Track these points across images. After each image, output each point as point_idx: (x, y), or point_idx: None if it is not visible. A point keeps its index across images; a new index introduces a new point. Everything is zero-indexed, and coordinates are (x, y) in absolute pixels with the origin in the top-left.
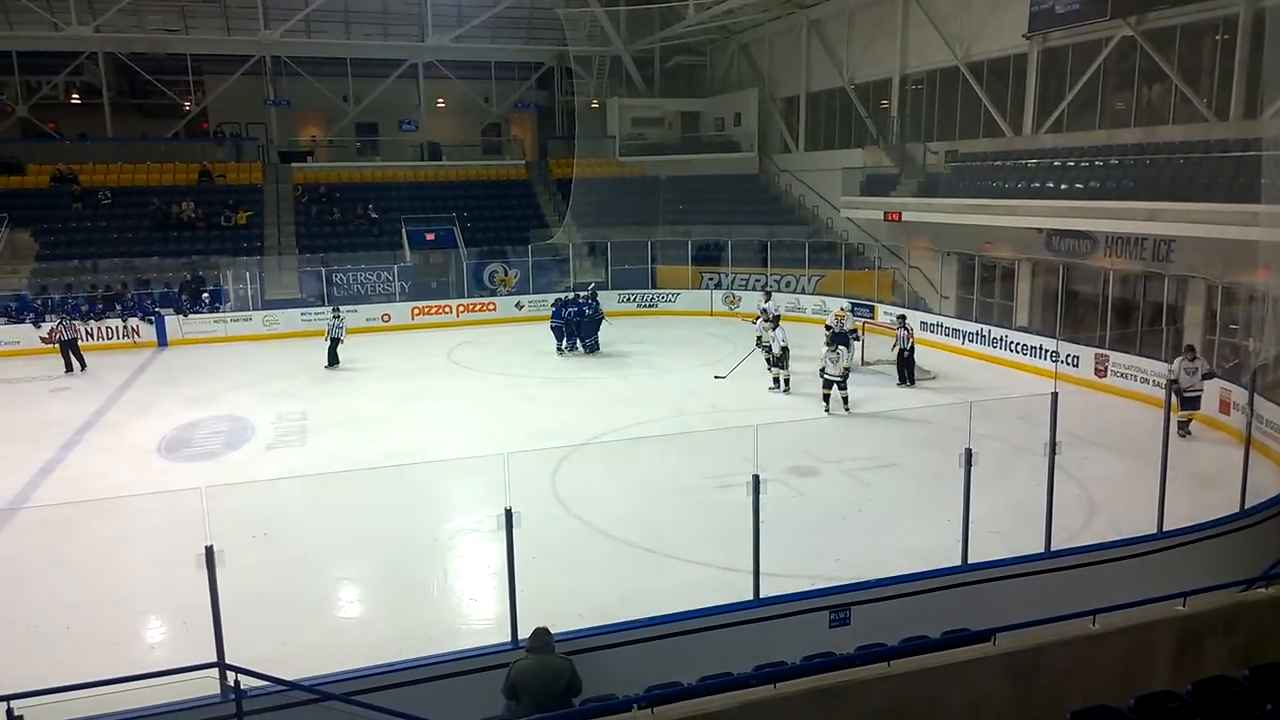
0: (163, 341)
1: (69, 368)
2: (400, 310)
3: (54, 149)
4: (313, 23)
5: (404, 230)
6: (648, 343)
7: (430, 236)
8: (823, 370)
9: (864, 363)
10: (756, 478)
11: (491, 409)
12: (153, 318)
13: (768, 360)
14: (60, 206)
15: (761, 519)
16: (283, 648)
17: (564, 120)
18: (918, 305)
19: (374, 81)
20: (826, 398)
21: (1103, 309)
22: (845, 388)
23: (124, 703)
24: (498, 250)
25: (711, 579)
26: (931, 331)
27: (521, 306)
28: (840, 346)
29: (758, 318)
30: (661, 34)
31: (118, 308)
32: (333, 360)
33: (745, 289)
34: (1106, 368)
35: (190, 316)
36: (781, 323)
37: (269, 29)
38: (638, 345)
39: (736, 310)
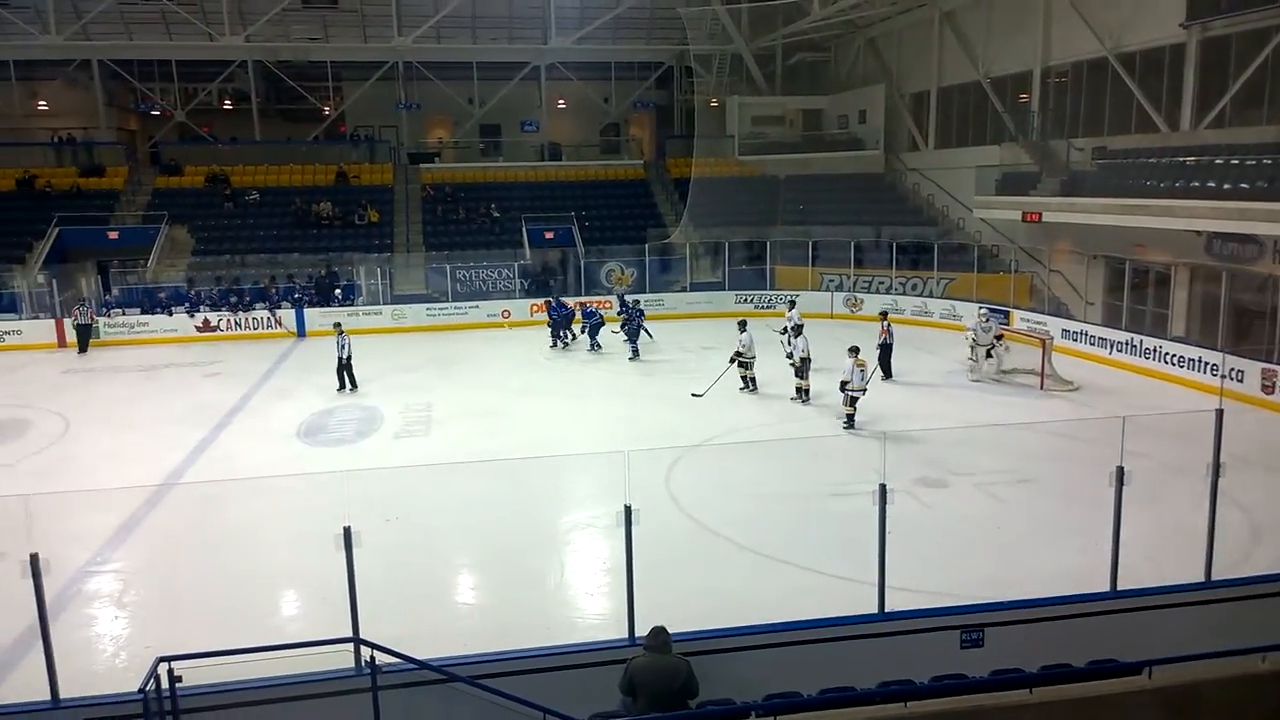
0: (301, 333)
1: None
2: (520, 306)
3: (208, 151)
4: (442, 29)
5: (524, 229)
6: (764, 345)
7: (549, 235)
8: (844, 384)
9: (1001, 371)
10: (883, 487)
11: (607, 406)
12: (294, 310)
13: (795, 369)
14: (213, 205)
15: (887, 530)
16: (408, 628)
17: (683, 119)
18: (1059, 311)
19: (498, 84)
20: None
21: (1271, 320)
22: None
23: (266, 670)
24: (615, 249)
25: (831, 588)
26: (1074, 339)
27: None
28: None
29: (784, 330)
30: (784, 31)
31: (264, 300)
32: (347, 383)
33: (869, 291)
34: (1275, 384)
35: (325, 309)
36: (804, 332)
37: (402, 36)
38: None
39: (858, 313)
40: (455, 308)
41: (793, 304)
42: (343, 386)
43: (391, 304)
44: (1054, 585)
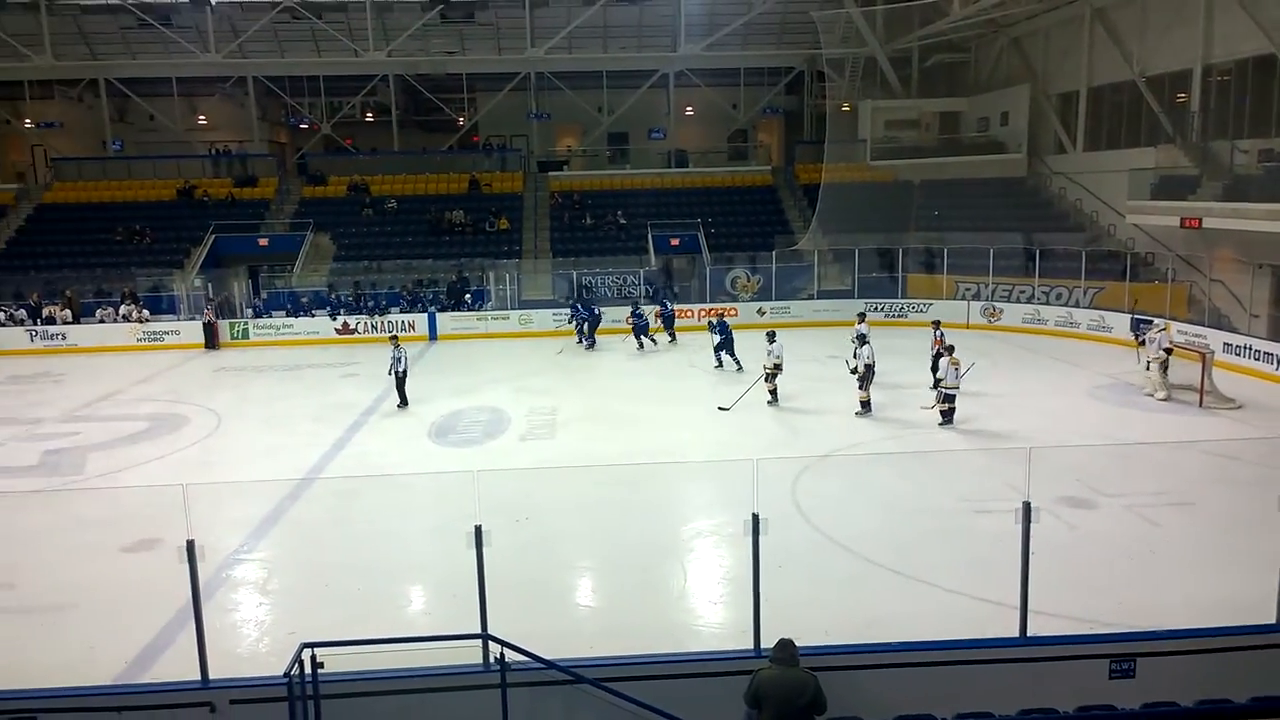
0: (433, 336)
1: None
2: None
3: (350, 162)
4: (573, 39)
5: (649, 235)
6: (896, 355)
7: (675, 242)
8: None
9: (1169, 387)
10: (1028, 505)
11: (730, 413)
12: (425, 315)
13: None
14: (354, 213)
15: (1030, 550)
16: (531, 627)
17: (812, 124)
18: (1220, 324)
19: (626, 92)
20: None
21: None
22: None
23: (399, 661)
24: (740, 256)
25: (968, 609)
26: (1237, 354)
27: (763, 313)
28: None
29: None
30: (921, 32)
31: (399, 304)
32: (403, 399)
33: (1008, 301)
34: None
35: (455, 314)
36: (869, 341)
37: (535, 47)
38: (885, 356)
39: (997, 323)
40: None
41: (862, 316)
42: (403, 403)
43: (519, 309)
44: (1213, 615)
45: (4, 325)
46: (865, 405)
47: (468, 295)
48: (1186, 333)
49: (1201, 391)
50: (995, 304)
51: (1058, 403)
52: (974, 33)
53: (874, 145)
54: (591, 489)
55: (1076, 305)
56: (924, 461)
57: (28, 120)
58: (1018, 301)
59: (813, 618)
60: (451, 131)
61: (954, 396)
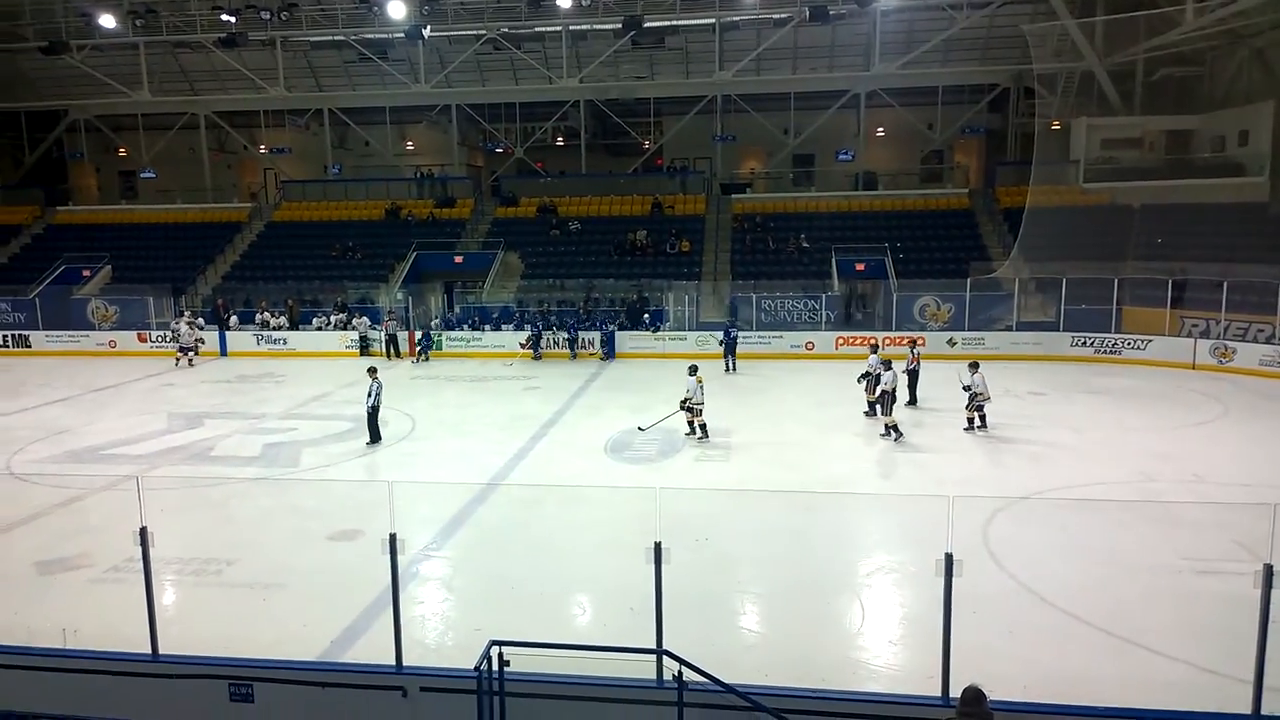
0: (610, 354)
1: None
2: (824, 339)
3: (540, 184)
4: (762, 61)
5: (833, 259)
6: (1106, 394)
7: (860, 266)
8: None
9: None
10: (1269, 568)
11: (914, 448)
12: (605, 333)
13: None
14: (542, 233)
15: (1269, 618)
16: (703, 648)
17: (1017, 144)
18: None
19: (814, 114)
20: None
21: None
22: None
23: (575, 668)
24: (930, 283)
25: (1188, 679)
26: None
27: (954, 343)
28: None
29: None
30: (1147, 44)
31: (578, 323)
32: (375, 435)
33: (1243, 340)
34: None
35: (633, 333)
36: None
37: (723, 70)
38: (1094, 396)
39: (1228, 365)
40: (759, 337)
41: (875, 348)
42: (375, 439)
43: (696, 330)
44: None
45: (236, 330)
46: (892, 430)
47: (646, 315)
48: None
49: None
50: (1227, 343)
51: None
52: (1209, 44)
53: (1088, 166)
54: (770, 514)
55: None
56: (1138, 512)
57: (262, 146)
58: (1255, 341)
59: (1004, 670)
60: (637, 154)
61: (983, 405)
